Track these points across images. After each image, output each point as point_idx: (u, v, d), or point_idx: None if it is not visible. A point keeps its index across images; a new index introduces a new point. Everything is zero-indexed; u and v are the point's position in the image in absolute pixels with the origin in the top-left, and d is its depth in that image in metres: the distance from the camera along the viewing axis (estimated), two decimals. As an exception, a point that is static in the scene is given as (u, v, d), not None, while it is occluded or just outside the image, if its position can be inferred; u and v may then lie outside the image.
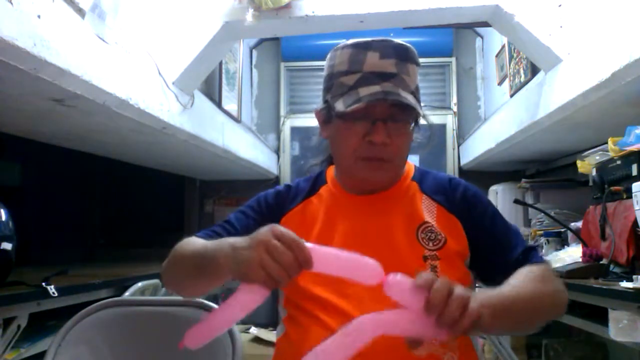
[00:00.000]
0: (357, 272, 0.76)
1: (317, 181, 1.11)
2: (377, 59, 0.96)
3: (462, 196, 1.05)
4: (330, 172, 1.11)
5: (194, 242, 0.96)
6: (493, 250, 1.01)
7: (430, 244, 0.98)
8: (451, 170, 4.46)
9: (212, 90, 3.35)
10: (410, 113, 0.97)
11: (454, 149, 4.48)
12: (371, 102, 0.93)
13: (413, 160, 1.09)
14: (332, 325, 0.92)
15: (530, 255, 1.00)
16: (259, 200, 1.10)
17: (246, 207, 1.10)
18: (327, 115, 1.03)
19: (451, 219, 1.02)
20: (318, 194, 1.08)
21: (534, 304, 0.89)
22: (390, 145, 0.97)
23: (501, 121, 3.16)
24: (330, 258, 0.76)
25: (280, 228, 0.75)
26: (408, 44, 1.00)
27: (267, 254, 0.72)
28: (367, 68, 0.96)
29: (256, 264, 0.72)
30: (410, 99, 0.95)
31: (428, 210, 1.03)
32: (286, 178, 4.63)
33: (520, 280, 0.90)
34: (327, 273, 0.76)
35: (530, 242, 2.93)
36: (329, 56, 1.03)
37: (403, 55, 0.98)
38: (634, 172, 1.67)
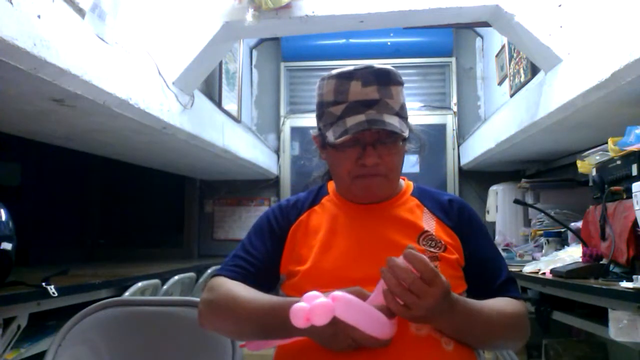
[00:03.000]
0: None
1: (320, 193, 1.17)
2: (360, 87, 1.03)
3: (461, 216, 1.11)
4: (332, 184, 1.17)
5: (241, 295, 0.99)
6: (479, 273, 1.07)
7: (432, 249, 1.03)
8: (451, 170, 4.46)
9: (212, 90, 3.35)
10: (397, 134, 1.03)
11: (454, 149, 4.48)
12: (356, 133, 1.00)
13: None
14: None
15: (510, 287, 1.08)
16: (268, 219, 1.14)
17: (258, 230, 1.13)
18: (322, 141, 1.10)
19: (450, 233, 1.08)
20: (321, 203, 1.14)
21: (494, 329, 0.98)
22: (381, 164, 1.04)
23: (501, 121, 3.16)
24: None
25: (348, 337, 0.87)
26: (389, 68, 1.06)
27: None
28: (351, 97, 1.03)
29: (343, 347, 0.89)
30: (394, 121, 1.01)
31: (427, 223, 1.08)
32: (286, 178, 4.63)
33: (496, 306, 1.00)
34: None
35: (530, 242, 2.94)
36: (317, 85, 1.10)
37: (384, 79, 1.04)
38: (634, 172, 1.67)
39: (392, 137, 1.03)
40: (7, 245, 1.81)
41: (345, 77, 1.04)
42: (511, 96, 3.37)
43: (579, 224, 2.12)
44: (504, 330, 1.00)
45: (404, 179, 1.17)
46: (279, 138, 4.69)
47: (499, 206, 3.50)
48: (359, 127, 0.99)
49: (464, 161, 4.29)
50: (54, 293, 1.80)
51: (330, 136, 1.03)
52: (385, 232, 1.05)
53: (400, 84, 1.06)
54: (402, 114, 1.05)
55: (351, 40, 4.44)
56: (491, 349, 1.06)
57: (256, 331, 0.98)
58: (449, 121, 4.54)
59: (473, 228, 1.11)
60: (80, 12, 1.72)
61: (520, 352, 2.85)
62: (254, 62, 4.74)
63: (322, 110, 1.08)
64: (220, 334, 1.16)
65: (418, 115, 4.44)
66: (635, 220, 1.56)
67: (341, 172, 1.07)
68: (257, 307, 0.96)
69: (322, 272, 1.01)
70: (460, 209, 1.12)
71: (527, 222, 3.23)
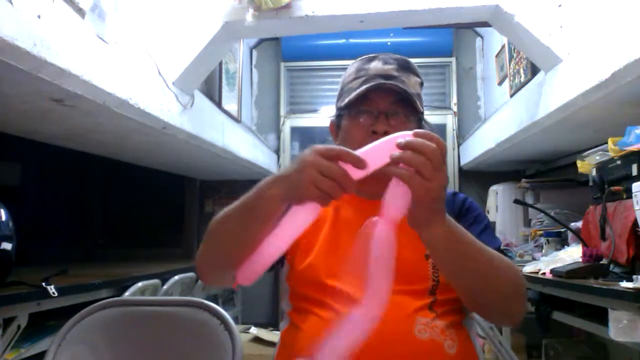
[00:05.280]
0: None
1: None
2: (381, 65, 1.07)
3: (462, 207, 1.12)
4: None
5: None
6: None
7: None
8: (451, 170, 4.46)
9: (212, 90, 3.35)
10: (411, 109, 1.04)
11: (454, 149, 4.48)
12: (371, 88, 1.02)
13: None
14: (342, 309, 0.94)
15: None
16: None
17: None
18: (338, 121, 1.11)
19: None
20: None
21: (489, 263, 0.90)
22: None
23: (501, 121, 3.16)
24: (374, 152, 0.79)
25: (322, 146, 0.79)
26: (410, 60, 1.10)
27: (317, 172, 0.77)
28: (371, 72, 1.06)
29: (309, 183, 0.76)
30: (409, 93, 1.03)
31: None
32: (286, 178, 4.62)
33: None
34: (378, 167, 0.79)
35: (530, 242, 2.94)
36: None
37: (404, 65, 1.08)
38: (634, 172, 1.67)
39: (406, 108, 1.03)
40: (7, 245, 1.81)
41: (367, 59, 1.09)
42: (511, 96, 3.37)
43: (579, 224, 2.12)
44: (500, 268, 0.92)
45: None
46: (279, 138, 4.68)
47: (499, 206, 3.50)
48: (374, 85, 1.01)
49: (464, 161, 4.29)
50: (54, 293, 1.80)
51: (347, 99, 1.05)
52: None
53: (418, 75, 1.10)
54: (417, 99, 1.06)
55: (351, 40, 4.44)
56: (490, 297, 0.90)
57: (238, 224, 0.91)
58: (449, 121, 4.54)
59: (469, 216, 1.10)
60: (80, 12, 1.72)
61: (520, 352, 2.85)
62: (254, 62, 4.74)
63: (341, 91, 1.10)
64: (218, 271, 1.02)
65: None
66: (635, 220, 1.56)
67: (352, 143, 1.01)
68: (235, 203, 0.93)
69: (323, 267, 1.01)
70: (462, 201, 1.13)
71: (527, 222, 3.23)
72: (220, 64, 3.37)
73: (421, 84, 1.10)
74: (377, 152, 0.79)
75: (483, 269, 0.90)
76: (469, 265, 0.89)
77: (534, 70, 2.94)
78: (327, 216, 1.08)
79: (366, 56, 1.10)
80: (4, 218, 1.83)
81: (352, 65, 1.11)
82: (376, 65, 1.07)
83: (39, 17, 1.48)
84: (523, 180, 3.26)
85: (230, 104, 3.66)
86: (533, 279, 2.06)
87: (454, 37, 4.55)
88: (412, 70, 1.08)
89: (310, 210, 0.81)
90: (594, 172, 1.99)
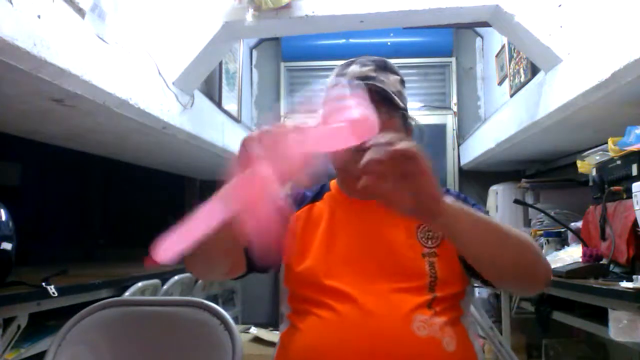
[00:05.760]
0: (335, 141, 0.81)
1: (322, 189, 1.18)
2: (358, 68, 1.09)
3: (457, 198, 1.07)
4: (335, 183, 1.19)
5: None
6: None
7: (429, 242, 1.03)
8: (451, 170, 4.46)
9: (212, 90, 3.35)
10: (393, 107, 1.04)
11: (454, 149, 4.48)
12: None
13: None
14: (342, 309, 0.96)
15: None
16: None
17: None
18: None
19: None
20: (323, 199, 1.15)
21: (501, 228, 0.89)
22: None
23: (501, 121, 3.16)
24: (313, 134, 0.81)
25: None
26: (387, 60, 1.12)
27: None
28: (349, 76, 1.07)
29: (248, 137, 0.80)
30: (387, 91, 1.03)
31: None
32: (286, 178, 4.63)
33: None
34: (314, 149, 0.80)
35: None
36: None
37: (382, 65, 1.10)
38: (634, 172, 1.67)
39: (388, 107, 1.03)
40: (7, 245, 1.81)
41: (346, 65, 1.11)
42: (511, 96, 3.37)
43: (579, 224, 2.12)
44: (511, 233, 0.90)
45: None
46: (279, 138, 4.68)
47: (499, 206, 3.50)
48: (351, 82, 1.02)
49: (464, 161, 4.29)
50: (54, 293, 1.80)
51: None
52: (384, 229, 1.05)
53: (397, 73, 1.10)
54: (398, 96, 1.06)
55: (351, 40, 4.43)
56: (514, 259, 0.90)
57: None
58: (449, 121, 4.54)
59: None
60: (80, 12, 1.72)
61: (520, 352, 2.85)
62: (254, 62, 4.74)
63: (325, 99, 1.10)
64: (203, 262, 1.03)
65: (418, 115, 4.44)
66: (635, 220, 1.56)
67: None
68: None
69: (321, 268, 1.02)
70: (456, 196, 1.11)
71: (527, 222, 3.23)
72: (220, 64, 3.38)
73: (402, 82, 1.11)
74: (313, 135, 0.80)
75: (498, 233, 0.89)
76: (485, 232, 0.87)
77: (534, 70, 2.94)
78: (322, 218, 1.09)
79: (345, 61, 1.12)
80: (4, 218, 1.83)
81: (333, 72, 1.13)
82: (354, 69, 1.08)
83: (39, 17, 1.48)
84: (523, 180, 3.25)
85: (230, 104, 3.66)
86: (533, 279, 2.05)
87: (454, 37, 4.55)
88: (390, 69, 1.10)
89: (242, 186, 0.81)
90: (594, 172, 1.99)
